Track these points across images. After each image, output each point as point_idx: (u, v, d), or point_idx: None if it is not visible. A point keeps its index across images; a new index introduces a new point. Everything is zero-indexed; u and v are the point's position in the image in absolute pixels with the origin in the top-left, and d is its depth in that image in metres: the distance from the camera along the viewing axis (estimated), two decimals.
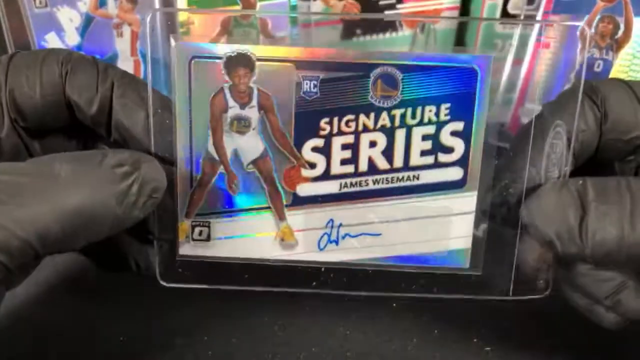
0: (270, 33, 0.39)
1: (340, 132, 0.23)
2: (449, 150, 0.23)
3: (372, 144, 0.23)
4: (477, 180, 0.23)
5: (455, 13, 0.44)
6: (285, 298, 0.30)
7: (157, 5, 0.37)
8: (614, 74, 0.36)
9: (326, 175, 0.23)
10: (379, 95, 0.22)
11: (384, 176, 0.23)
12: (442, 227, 0.24)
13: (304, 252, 0.24)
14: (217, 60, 0.22)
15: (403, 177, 0.23)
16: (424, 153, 0.23)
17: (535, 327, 0.29)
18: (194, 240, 0.24)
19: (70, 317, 0.29)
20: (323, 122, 0.23)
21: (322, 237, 0.24)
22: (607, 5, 0.34)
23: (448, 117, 0.23)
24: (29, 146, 0.24)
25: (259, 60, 0.23)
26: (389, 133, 0.23)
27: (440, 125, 0.23)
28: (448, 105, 0.23)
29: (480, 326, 0.29)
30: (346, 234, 0.24)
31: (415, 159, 0.23)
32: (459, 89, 0.22)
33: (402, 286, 0.25)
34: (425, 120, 0.23)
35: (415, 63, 0.22)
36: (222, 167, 0.24)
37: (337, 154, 0.23)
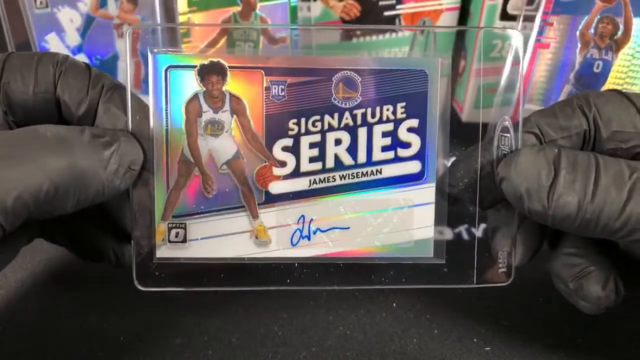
0: (271, 34, 0.40)
1: (308, 132, 0.24)
2: (407, 145, 0.25)
3: (338, 142, 0.25)
4: (435, 172, 0.25)
5: (455, 13, 0.44)
6: (285, 298, 0.30)
7: (157, 6, 0.37)
8: (613, 74, 0.36)
9: (296, 173, 0.25)
10: (341, 97, 0.24)
11: (350, 171, 0.25)
12: (406, 219, 0.25)
13: (278, 249, 0.25)
14: (191, 69, 0.24)
15: (367, 172, 0.25)
16: (384, 149, 0.25)
17: (535, 326, 0.29)
18: (170, 242, 0.25)
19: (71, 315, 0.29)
20: (291, 123, 0.24)
21: (294, 233, 0.25)
22: (606, 6, 0.34)
23: (404, 115, 0.25)
24: None
25: (230, 68, 0.24)
26: (352, 131, 0.25)
27: (397, 122, 0.25)
28: (403, 104, 0.25)
29: (479, 326, 0.29)
30: (317, 229, 0.25)
31: (377, 155, 0.25)
32: (412, 89, 0.25)
33: (373, 278, 0.26)
34: (384, 118, 0.25)
35: (371, 67, 0.24)
36: (197, 169, 0.25)
37: (306, 152, 0.25)
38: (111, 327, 0.29)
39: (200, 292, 0.29)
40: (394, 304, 0.30)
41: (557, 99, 0.38)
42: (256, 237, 0.25)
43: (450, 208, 0.25)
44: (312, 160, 0.25)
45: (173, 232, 0.25)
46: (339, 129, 0.25)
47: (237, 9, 0.39)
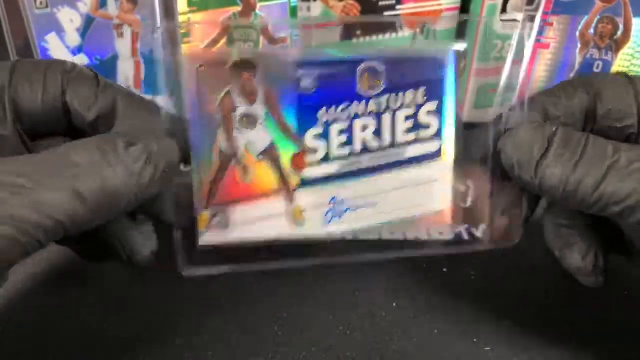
0: (271, 34, 0.40)
1: (337, 120, 0.26)
2: (426, 126, 0.27)
3: (364, 128, 0.27)
4: (452, 149, 0.28)
5: (455, 14, 0.44)
6: (285, 297, 0.30)
7: (157, 7, 0.37)
8: None
9: (327, 159, 0.27)
10: (367, 86, 0.26)
11: (376, 154, 0.27)
12: (427, 192, 0.28)
13: (312, 228, 0.27)
14: (223, 67, 0.25)
15: (391, 154, 0.27)
16: (407, 131, 0.27)
17: (535, 327, 0.29)
18: (212, 228, 0.26)
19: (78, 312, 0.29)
20: (321, 112, 0.26)
21: (327, 213, 0.27)
22: (606, 6, 0.34)
23: (424, 99, 0.27)
24: (28, 145, 0.24)
25: (261, 62, 0.25)
26: (377, 117, 0.27)
27: (418, 106, 0.27)
28: (423, 89, 0.27)
29: (479, 326, 0.29)
30: (347, 208, 0.27)
31: (400, 137, 0.27)
32: (431, 76, 0.27)
33: (396, 248, 0.28)
34: (406, 103, 0.27)
35: (394, 57, 0.26)
36: (235, 159, 0.26)
37: (335, 139, 0.27)
38: (111, 327, 0.29)
39: (201, 291, 0.29)
40: (394, 304, 0.30)
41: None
42: (293, 219, 0.27)
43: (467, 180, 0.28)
44: (341, 145, 0.27)
45: (215, 219, 0.26)
46: (365, 115, 0.26)
47: (237, 9, 0.39)
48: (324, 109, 0.26)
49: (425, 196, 0.28)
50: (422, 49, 0.27)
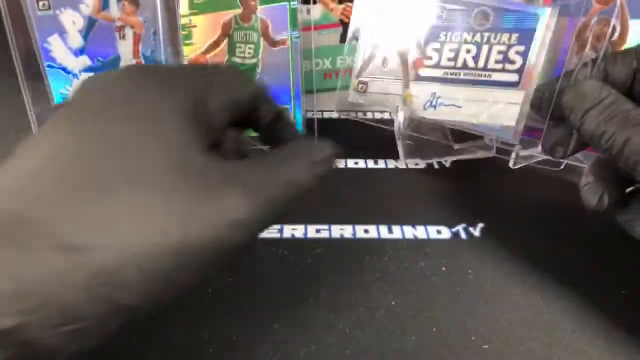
0: (271, 36, 0.40)
1: (451, 41, 0.37)
2: (512, 62, 0.36)
3: (467, 51, 0.37)
4: (527, 84, 0.36)
5: None
6: (285, 296, 0.31)
7: (159, 9, 0.38)
8: None
9: (437, 65, 0.38)
10: (477, 23, 0.36)
11: (471, 72, 0.37)
12: (500, 110, 0.37)
13: (415, 109, 0.39)
14: None
15: (482, 74, 0.37)
16: (497, 62, 0.36)
17: (534, 325, 0.29)
18: (357, 92, 0.40)
19: None
20: (442, 34, 0.37)
21: (427, 102, 0.38)
22: (603, 8, 0.35)
23: (516, 42, 0.36)
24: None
25: None
26: (478, 46, 0.36)
27: (510, 46, 0.36)
28: (517, 35, 0.35)
29: (478, 325, 0.29)
30: (441, 103, 0.38)
31: (491, 65, 0.36)
32: (525, 26, 0.35)
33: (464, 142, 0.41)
34: (502, 41, 0.36)
35: (501, 6, 0.35)
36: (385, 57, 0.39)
37: (446, 54, 0.37)
38: None
39: (200, 290, 0.29)
40: (393, 302, 0.30)
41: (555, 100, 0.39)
42: (404, 100, 0.39)
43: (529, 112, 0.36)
44: (449, 60, 0.37)
45: (360, 85, 0.40)
46: (470, 43, 0.36)
47: (238, 11, 0.39)
48: (444, 32, 0.37)
49: (499, 112, 0.37)
50: (526, 5, 0.35)
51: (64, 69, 0.37)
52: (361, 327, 0.29)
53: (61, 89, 0.37)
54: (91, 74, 0.38)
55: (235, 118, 0.23)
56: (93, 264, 0.16)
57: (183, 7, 0.38)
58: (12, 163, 0.18)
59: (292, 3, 0.39)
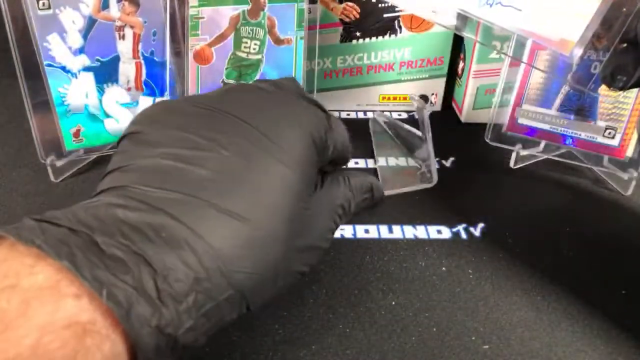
0: (277, 33, 0.40)
1: None
2: None
3: None
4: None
5: None
6: (285, 297, 0.30)
7: (160, 8, 0.38)
8: None
9: None
10: None
11: None
12: (563, 21, 0.32)
13: (472, 7, 0.34)
14: None
15: None
16: None
17: (534, 325, 0.29)
18: None
19: None
20: None
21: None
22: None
23: None
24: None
25: None
26: None
27: None
28: None
29: (478, 324, 0.29)
30: (499, 2, 0.33)
31: None
32: None
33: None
34: None
35: None
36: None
37: None
38: None
39: None
40: (393, 302, 0.30)
41: (555, 100, 0.39)
42: None
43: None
44: None
45: None
46: None
47: (247, 7, 0.39)
48: None
49: (561, 23, 0.32)
50: None
51: (63, 68, 0.37)
52: (361, 327, 0.29)
53: (60, 88, 0.37)
54: (91, 74, 0.38)
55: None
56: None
57: (192, 1, 0.38)
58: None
59: (300, 3, 0.39)
